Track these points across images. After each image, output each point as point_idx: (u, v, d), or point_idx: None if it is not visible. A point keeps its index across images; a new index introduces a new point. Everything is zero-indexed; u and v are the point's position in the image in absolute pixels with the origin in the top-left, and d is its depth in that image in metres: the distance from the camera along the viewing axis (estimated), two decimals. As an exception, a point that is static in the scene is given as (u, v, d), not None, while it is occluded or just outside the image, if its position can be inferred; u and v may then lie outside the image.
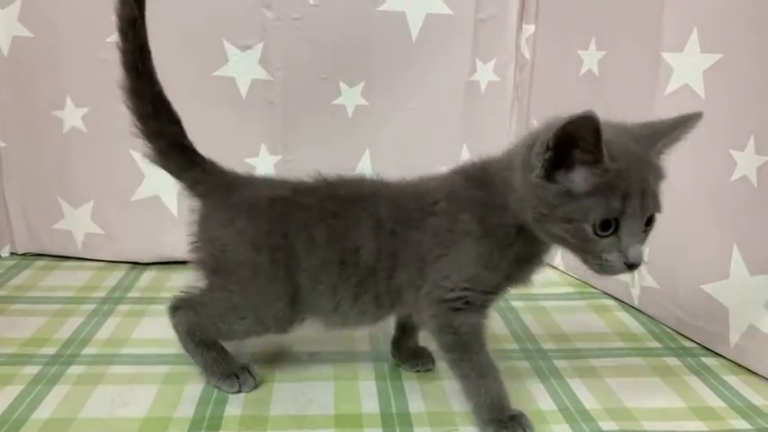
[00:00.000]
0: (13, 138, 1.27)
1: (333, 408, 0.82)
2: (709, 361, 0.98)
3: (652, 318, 1.12)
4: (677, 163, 1.03)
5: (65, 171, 1.28)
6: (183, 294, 0.89)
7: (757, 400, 0.87)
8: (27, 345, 0.96)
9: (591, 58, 1.21)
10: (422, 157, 1.32)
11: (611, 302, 1.19)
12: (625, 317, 1.12)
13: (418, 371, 0.92)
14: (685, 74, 1.02)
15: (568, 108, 1.30)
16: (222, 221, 0.83)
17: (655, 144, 0.73)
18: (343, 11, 1.23)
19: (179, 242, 1.27)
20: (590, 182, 0.67)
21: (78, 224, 1.30)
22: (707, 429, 0.80)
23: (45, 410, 0.79)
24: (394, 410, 0.82)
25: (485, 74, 1.35)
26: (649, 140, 0.72)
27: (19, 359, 0.91)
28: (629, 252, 0.68)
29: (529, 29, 1.35)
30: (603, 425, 0.80)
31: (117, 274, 1.25)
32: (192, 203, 0.86)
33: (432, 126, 1.33)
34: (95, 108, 1.23)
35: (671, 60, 1.05)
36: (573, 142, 0.66)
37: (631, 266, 0.68)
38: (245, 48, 1.22)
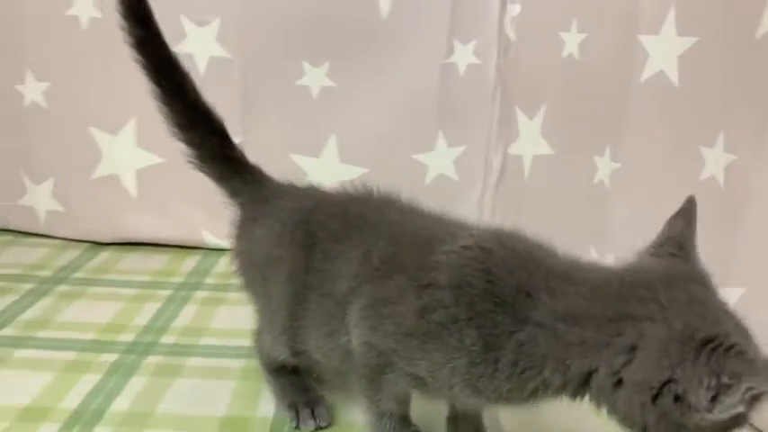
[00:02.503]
0: (-27, 112, 1.26)
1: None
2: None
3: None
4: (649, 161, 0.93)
5: (25, 146, 1.26)
6: None
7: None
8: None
9: (572, 40, 1.11)
10: (393, 144, 1.26)
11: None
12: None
13: None
14: (661, 59, 0.92)
15: (550, 94, 1.19)
16: (257, 235, 0.78)
17: None
18: (306, -15, 1.17)
19: (137, 223, 1.27)
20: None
21: (40, 201, 1.28)
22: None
23: None
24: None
25: (464, 56, 1.25)
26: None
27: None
28: None
29: (514, 8, 1.24)
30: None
31: (72, 253, 1.23)
32: (233, 213, 0.82)
33: (404, 111, 1.25)
34: (56, 83, 1.21)
35: (647, 44, 0.94)
36: None
37: None
38: (202, 23, 1.17)
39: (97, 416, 0.74)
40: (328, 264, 0.69)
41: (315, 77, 1.21)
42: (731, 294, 0.78)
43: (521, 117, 1.25)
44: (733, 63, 0.80)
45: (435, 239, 0.64)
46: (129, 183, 1.25)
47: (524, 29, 1.23)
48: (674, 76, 0.90)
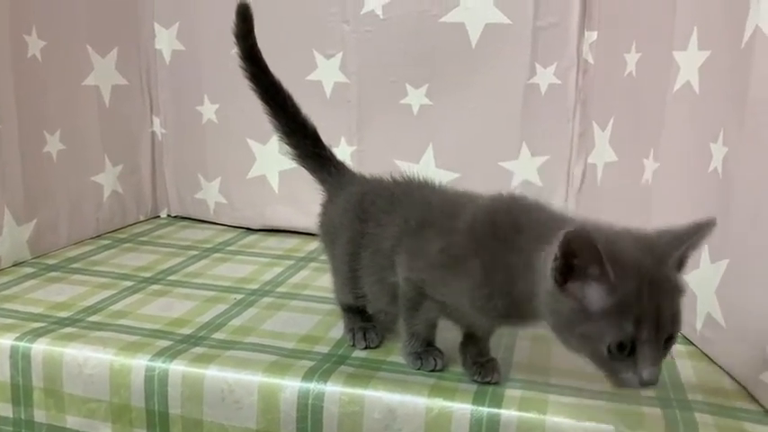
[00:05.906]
0: (170, 126, 1.68)
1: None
2: (678, 348, 1.00)
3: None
4: (676, 159, 1.08)
5: (202, 153, 1.66)
6: None
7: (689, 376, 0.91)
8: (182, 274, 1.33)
9: (631, 59, 1.27)
10: (481, 153, 1.49)
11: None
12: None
13: (476, 381, 0.88)
14: (687, 71, 1.06)
15: (616, 108, 1.35)
16: (331, 211, 1.05)
17: (671, 256, 0.68)
18: (409, 23, 1.44)
19: (278, 214, 1.61)
20: (603, 301, 0.66)
21: (210, 195, 1.67)
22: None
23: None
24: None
25: (545, 77, 1.45)
26: (666, 251, 0.68)
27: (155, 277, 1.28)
28: (644, 374, 0.66)
29: (591, 35, 1.43)
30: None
31: (230, 235, 1.60)
32: (322, 195, 1.09)
33: (491, 124, 1.47)
34: (224, 105, 1.59)
35: (678, 59, 1.09)
36: (577, 256, 0.66)
37: (646, 385, 0.67)
38: (329, 56, 1.49)
39: (218, 326, 1.05)
40: (379, 229, 0.93)
41: (416, 97, 1.48)
42: (721, 267, 0.92)
43: (596, 130, 1.42)
44: (730, 68, 0.93)
45: (456, 207, 0.87)
46: (274, 182, 1.60)
47: (599, 52, 1.41)
48: (695, 85, 1.04)
